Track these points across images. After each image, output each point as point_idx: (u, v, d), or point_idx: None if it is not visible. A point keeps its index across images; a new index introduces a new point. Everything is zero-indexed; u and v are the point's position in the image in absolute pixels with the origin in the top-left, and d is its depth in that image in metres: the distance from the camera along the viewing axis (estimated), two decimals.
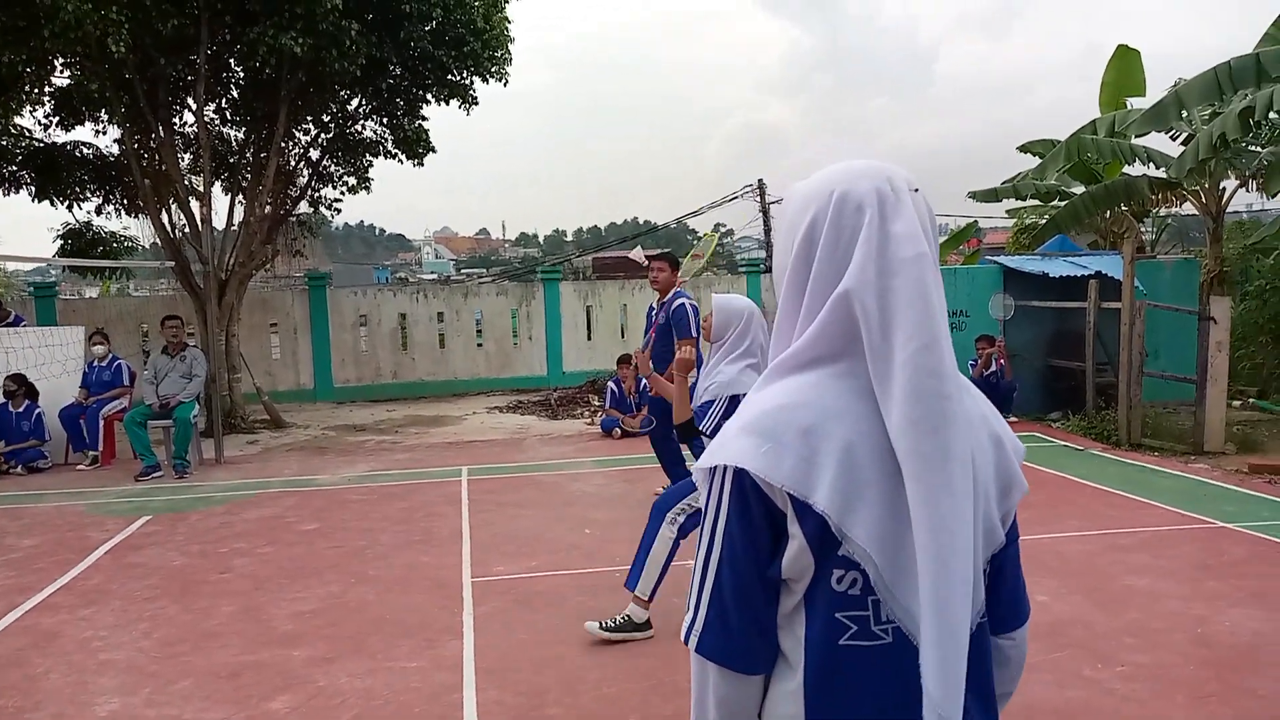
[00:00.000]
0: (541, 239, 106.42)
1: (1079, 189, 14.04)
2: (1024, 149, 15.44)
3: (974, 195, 14.86)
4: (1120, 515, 6.44)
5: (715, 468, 1.18)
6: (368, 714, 3.69)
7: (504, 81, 12.06)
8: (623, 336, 15.13)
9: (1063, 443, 9.17)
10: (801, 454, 1.12)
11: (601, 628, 4.34)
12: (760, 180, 24.04)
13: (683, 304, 6.46)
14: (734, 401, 3.85)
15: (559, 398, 13.08)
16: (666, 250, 8.03)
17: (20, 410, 9.20)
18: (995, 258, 12.73)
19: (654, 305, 6.78)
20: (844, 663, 1.15)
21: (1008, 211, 19.13)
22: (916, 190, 1.20)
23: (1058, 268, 10.62)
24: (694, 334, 6.42)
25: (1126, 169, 13.12)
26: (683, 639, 1.21)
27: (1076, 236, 14.64)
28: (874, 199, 1.17)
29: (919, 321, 1.12)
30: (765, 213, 23.72)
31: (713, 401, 3.82)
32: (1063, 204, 13.96)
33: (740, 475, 1.15)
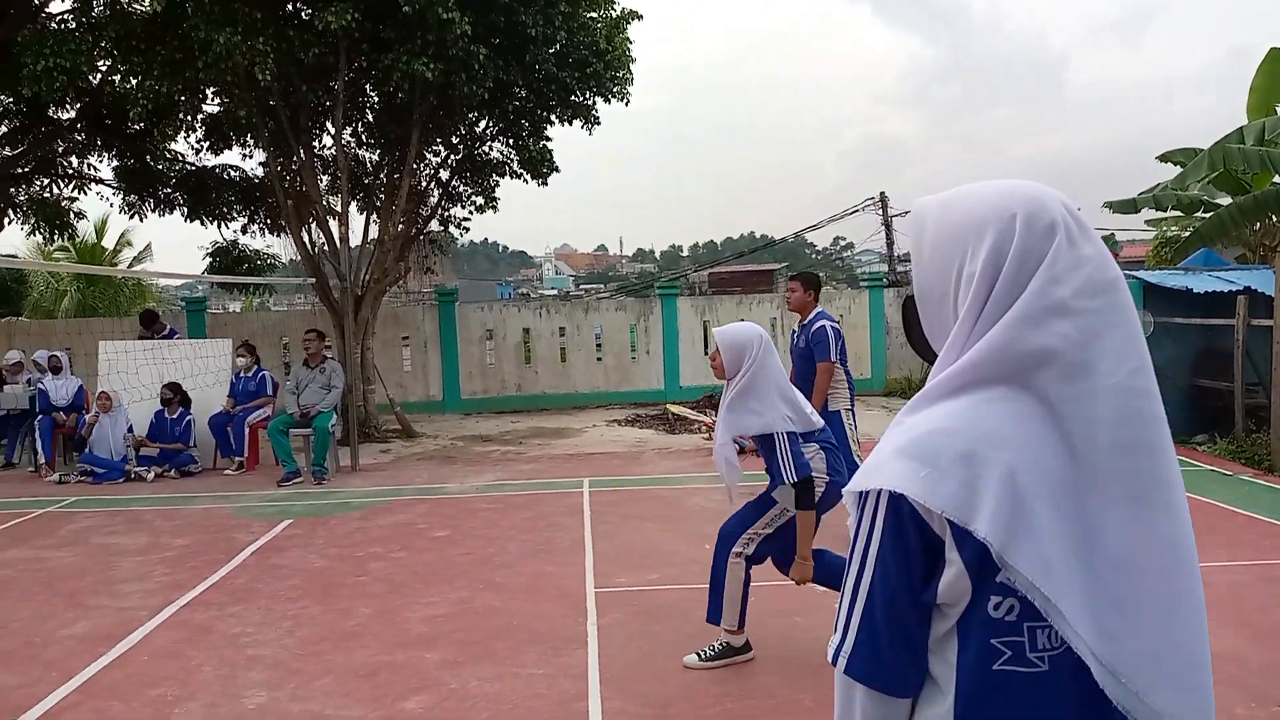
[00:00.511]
0: (658, 254, 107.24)
1: (1225, 200, 13.27)
2: (1164, 158, 14.70)
3: (1110, 206, 14.23)
4: (1274, 545, 6.04)
5: (868, 491, 1.18)
6: (498, 718, 3.80)
7: (625, 101, 12.26)
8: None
9: (1209, 467, 8.64)
10: (961, 479, 1.11)
11: (701, 659, 4.20)
12: (882, 193, 23.61)
13: (823, 326, 6.33)
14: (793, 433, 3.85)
15: (676, 412, 13.14)
16: (807, 270, 7.89)
17: (174, 417, 9.86)
18: (1134, 272, 12.14)
19: (795, 329, 6.71)
20: (996, 689, 1.13)
21: (1147, 223, 18.22)
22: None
23: (1202, 283, 10.05)
24: (833, 358, 6.28)
25: (1278, 179, 12.33)
26: (830, 659, 1.21)
27: (1223, 250, 13.84)
28: (1061, 222, 1.16)
29: (1127, 344, 1.12)
30: (888, 226, 23.26)
31: (764, 436, 3.83)
32: (1208, 216, 13.22)
33: (896, 500, 1.14)
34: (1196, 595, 1.13)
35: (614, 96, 12.10)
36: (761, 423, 3.84)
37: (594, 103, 12.25)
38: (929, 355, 1.31)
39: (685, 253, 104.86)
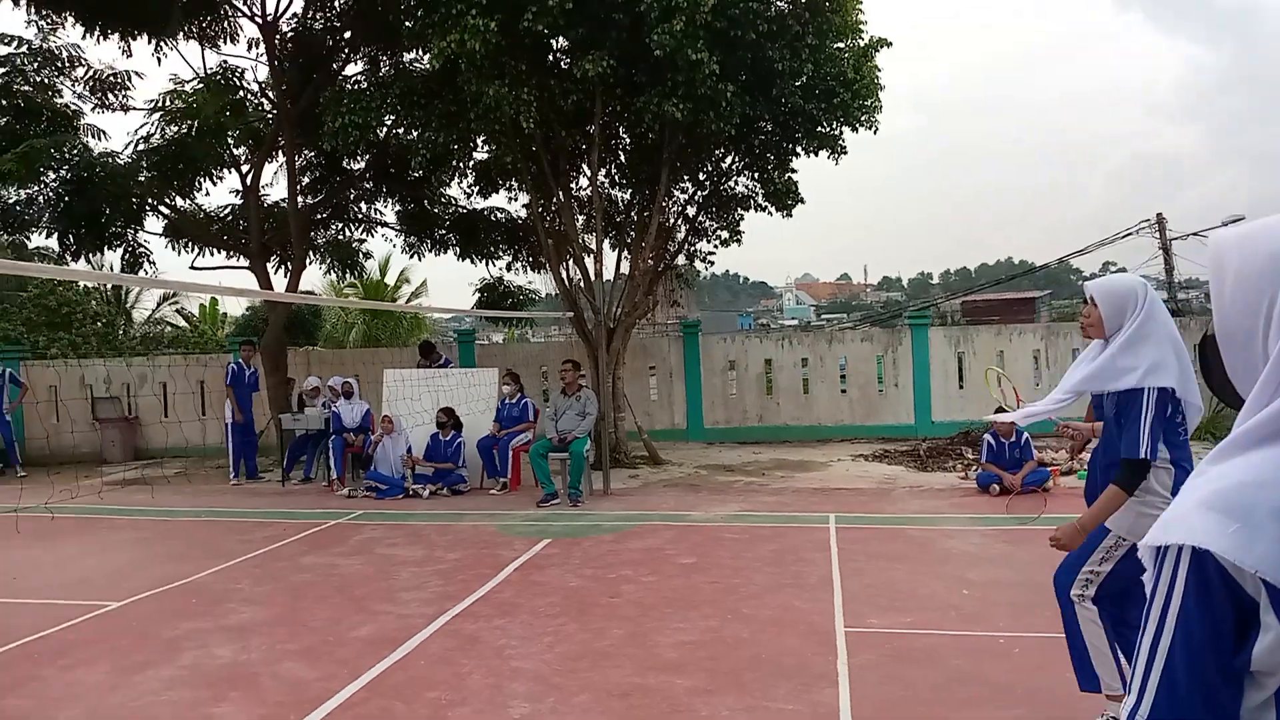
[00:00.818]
0: (905, 282, 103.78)
1: None
2: None
3: None
4: None
5: (1168, 546, 1.10)
6: None
7: (874, 129, 12.04)
8: (999, 385, 14.23)
9: None
10: (1277, 537, 1.02)
11: None
12: (1159, 215, 21.60)
13: None
14: (1161, 394, 3.30)
15: (929, 448, 12.60)
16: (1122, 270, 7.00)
17: (448, 439, 10.72)
18: None
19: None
20: None
21: None
22: None
23: None
24: None
25: None
26: None
27: None
28: None
29: None
30: (1166, 250, 21.21)
31: (1132, 393, 3.29)
32: None
33: (1202, 557, 1.06)
34: None
35: (862, 125, 11.92)
36: (1137, 375, 3.31)
37: (841, 132, 12.13)
38: (1232, 399, 1.21)
39: (935, 280, 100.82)
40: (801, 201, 13.26)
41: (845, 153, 12.35)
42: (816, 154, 12.37)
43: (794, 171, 13.09)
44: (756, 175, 13.28)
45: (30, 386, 14.83)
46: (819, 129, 11.99)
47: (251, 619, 5.83)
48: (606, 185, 13.66)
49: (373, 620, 5.73)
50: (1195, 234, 21.03)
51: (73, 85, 13.20)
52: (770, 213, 13.45)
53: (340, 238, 16.20)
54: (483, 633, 5.41)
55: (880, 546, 7.34)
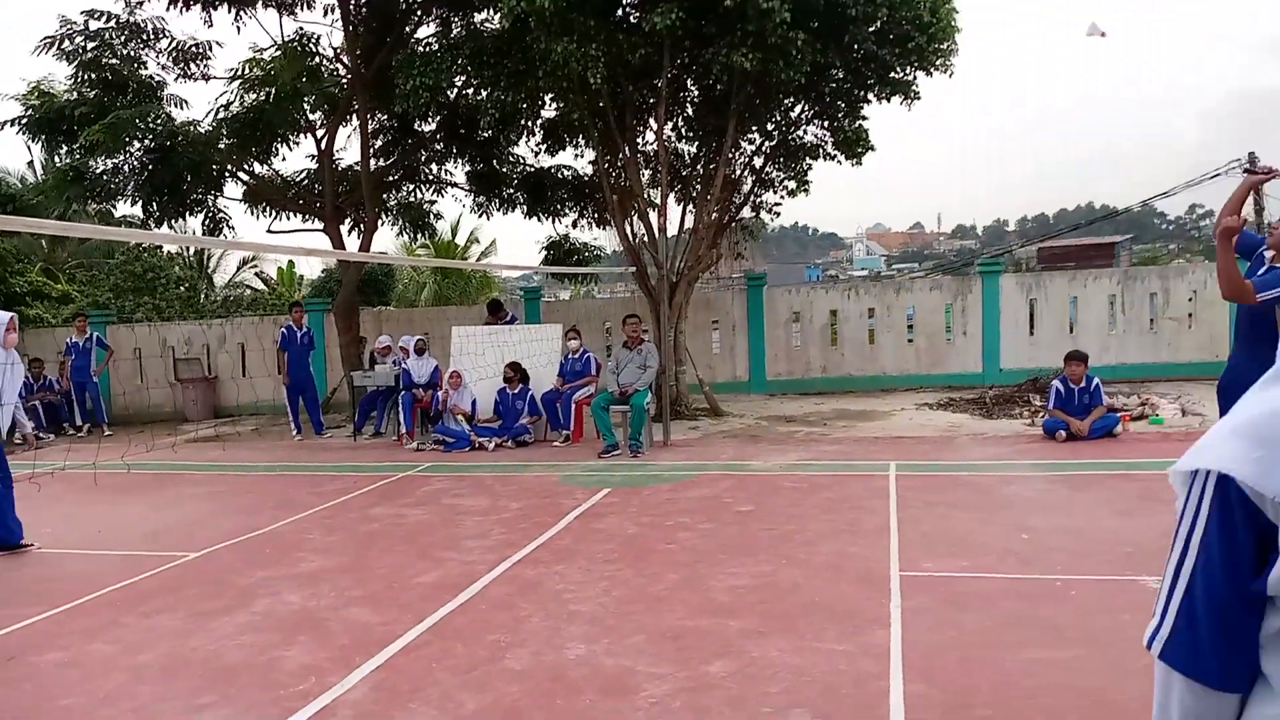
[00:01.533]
0: (980, 230, 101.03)
1: None
2: None
3: None
4: None
5: (1197, 470, 1.13)
6: (797, 688, 3.87)
7: (950, 73, 11.70)
8: (1071, 331, 13.91)
9: None
10: None
11: None
12: (1251, 154, 20.58)
13: None
14: None
15: (995, 396, 12.40)
16: None
17: (516, 392, 10.95)
18: None
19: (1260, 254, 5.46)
20: None
21: None
22: None
23: None
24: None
25: None
26: (1145, 643, 1.17)
27: None
28: None
29: None
30: (1257, 189, 20.23)
31: None
32: None
33: (1225, 482, 1.08)
34: None
35: (937, 69, 11.58)
36: None
37: (915, 78, 11.82)
38: None
39: (1011, 227, 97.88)
40: (872, 149, 13.02)
41: (919, 98, 12.04)
42: (889, 100, 12.09)
43: (865, 119, 12.83)
44: (826, 124, 13.05)
45: (115, 349, 15.56)
46: (892, 75, 11.71)
47: (321, 567, 6.10)
48: (673, 139, 13.59)
49: (437, 567, 5.94)
50: None
51: (157, 57, 13.59)
52: (840, 161, 13.23)
53: (411, 199, 16.46)
54: (543, 578, 5.57)
55: (939, 494, 7.30)
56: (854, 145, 12.86)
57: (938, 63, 11.48)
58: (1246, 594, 1.08)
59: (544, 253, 16.22)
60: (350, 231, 15.49)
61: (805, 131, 13.37)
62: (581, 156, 14.61)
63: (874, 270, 54.20)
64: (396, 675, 4.20)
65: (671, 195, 13.49)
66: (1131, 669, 3.77)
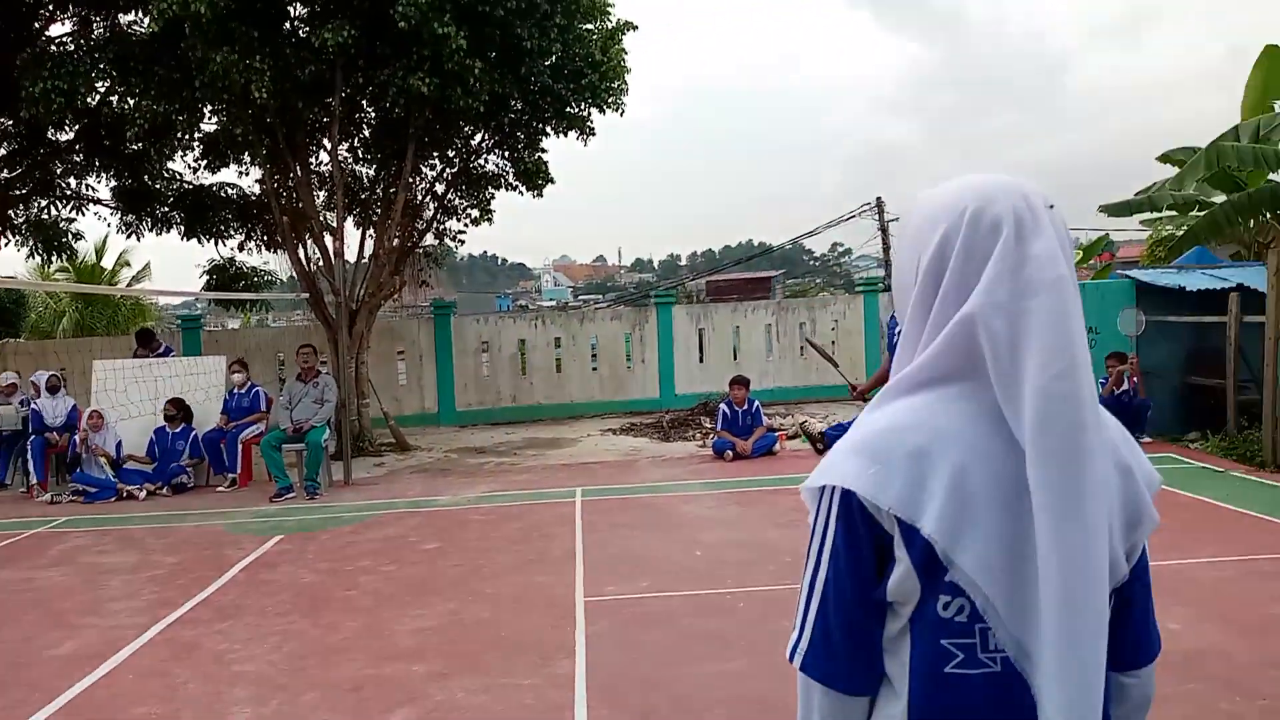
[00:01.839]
0: (656, 264, 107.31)
1: (1220, 198, 13.25)
2: (1164, 159, 14.64)
3: (1105, 209, 14.21)
4: (1264, 540, 6.02)
5: (824, 487, 1.18)
6: None
7: (620, 111, 12.26)
8: (735, 358, 15.09)
9: (1200, 464, 8.63)
10: (910, 477, 1.11)
11: None
12: (879, 198, 23.73)
13: None
14: None
15: (671, 420, 13.13)
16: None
17: (177, 431, 9.88)
18: (1127, 272, 12.14)
19: (894, 316, 6.17)
20: (949, 690, 1.13)
21: (1142, 222, 18.20)
22: (1052, 207, 1.15)
23: (1195, 281, 10.05)
24: None
25: (1272, 176, 12.31)
26: (788, 656, 1.21)
27: (1217, 248, 13.82)
28: (1010, 218, 1.13)
29: (1056, 346, 1.07)
30: (884, 231, 23.33)
31: None
32: (1201, 214, 13.21)
33: (847, 496, 1.14)
34: (1098, 619, 1.07)
35: (609, 107, 12.10)
36: None
37: (589, 114, 12.25)
38: None
39: (684, 262, 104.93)
40: (551, 181, 13.33)
41: (594, 134, 12.50)
42: (566, 134, 12.44)
43: (544, 151, 13.11)
44: (507, 154, 13.18)
45: None
46: (568, 109, 12.07)
47: None
48: (349, 160, 13.06)
49: (73, 636, 5.18)
50: None
51: None
52: (521, 192, 13.40)
53: (45, 216, 14.41)
54: (202, 639, 5.04)
55: (623, 516, 7.56)
56: (534, 177, 13.10)
57: (609, 100, 12.02)
58: (870, 601, 1.16)
59: (205, 278, 14.83)
60: None
61: (486, 161, 13.42)
62: (247, 174, 13.61)
63: (562, 301, 55.63)
64: None
65: (350, 219, 12.96)
66: (789, 673, 4.07)
